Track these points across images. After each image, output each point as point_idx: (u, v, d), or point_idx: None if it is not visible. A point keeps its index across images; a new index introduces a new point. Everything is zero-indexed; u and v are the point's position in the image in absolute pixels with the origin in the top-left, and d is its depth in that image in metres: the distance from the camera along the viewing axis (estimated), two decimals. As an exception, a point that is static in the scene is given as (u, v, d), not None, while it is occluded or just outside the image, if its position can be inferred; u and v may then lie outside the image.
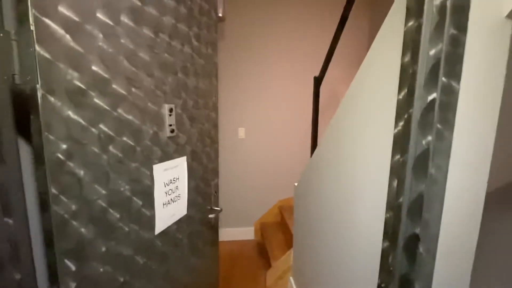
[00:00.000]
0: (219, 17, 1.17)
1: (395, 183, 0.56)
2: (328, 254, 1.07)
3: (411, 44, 0.50)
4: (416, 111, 0.49)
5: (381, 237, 0.67)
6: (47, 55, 0.49)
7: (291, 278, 1.74)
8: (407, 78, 0.51)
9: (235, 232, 2.65)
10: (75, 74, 0.54)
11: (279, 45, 2.43)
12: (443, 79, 0.45)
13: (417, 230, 0.50)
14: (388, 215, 0.59)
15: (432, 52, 0.46)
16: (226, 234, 2.64)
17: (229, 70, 2.42)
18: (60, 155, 0.53)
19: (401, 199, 0.53)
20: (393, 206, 0.56)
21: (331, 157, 1.03)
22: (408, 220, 0.52)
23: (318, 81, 1.65)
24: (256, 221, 2.65)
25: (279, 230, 2.42)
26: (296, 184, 1.60)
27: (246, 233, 2.66)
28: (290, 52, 2.46)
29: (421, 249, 0.50)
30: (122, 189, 0.68)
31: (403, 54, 0.52)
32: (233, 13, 2.34)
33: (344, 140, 0.91)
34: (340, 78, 2.55)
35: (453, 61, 0.44)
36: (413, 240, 0.51)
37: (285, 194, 2.65)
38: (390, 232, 0.57)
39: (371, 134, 0.73)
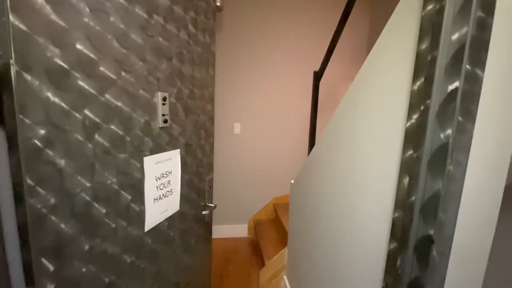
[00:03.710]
0: (217, 6, 1.12)
1: (406, 181, 0.52)
2: (325, 254, 1.04)
3: (430, 29, 0.45)
4: (435, 102, 0.45)
5: (387, 237, 0.63)
6: (23, 26, 0.43)
7: (285, 277, 1.70)
8: (424, 66, 0.47)
9: (229, 229, 2.60)
10: (57, 51, 0.48)
11: (277, 39, 2.38)
12: (467, 66, 0.41)
13: (431, 232, 0.46)
14: (396, 214, 0.55)
15: (455, 36, 0.42)
16: (220, 231, 2.59)
17: (226, 63, 2.36)
18: (37, 142, 0.47)
19: (413, 198, 0.49)
20: (403, 205, 0.53)
21: (332, 153, 0.99)
22: (421, 221, 0.48)
23: (318, 76, 1.60)
24: (250, 218, 2.61)
25: (273, 228, 2.38)
26: (292, 181, 1.56)
27: (240, 230, 2.61)
28: (289, 46, 2.41)
29: (434, 252, 0.46)
30: (109, 182, 0.62)
31: (420, 40, 0.48)
32: (232, 4, 2.27)
33: (346, 135, 0.86)
34: (339, 75, 2.52)
35: (478, 46, 0.40)
36: (426, 242, 0.47)
37: (280, 191, 2.62)
38: (399, 232, 0.53)
39: (376, 128, 0.69)
